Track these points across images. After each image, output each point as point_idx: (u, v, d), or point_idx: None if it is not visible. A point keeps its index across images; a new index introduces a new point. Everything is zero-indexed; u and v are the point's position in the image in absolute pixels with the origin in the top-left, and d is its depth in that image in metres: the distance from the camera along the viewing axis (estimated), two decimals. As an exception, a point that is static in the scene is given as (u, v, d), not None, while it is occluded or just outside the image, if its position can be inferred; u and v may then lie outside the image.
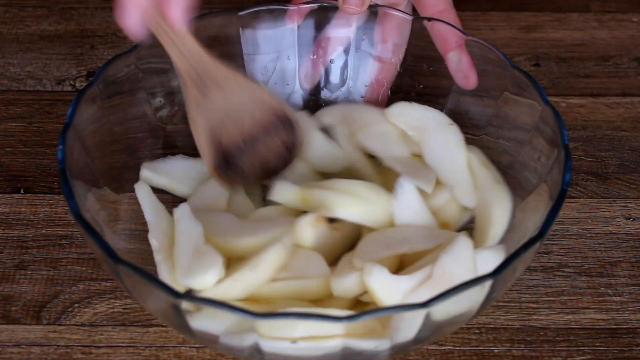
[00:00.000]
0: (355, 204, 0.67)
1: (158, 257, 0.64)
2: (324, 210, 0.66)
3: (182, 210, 0.67)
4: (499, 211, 0.68)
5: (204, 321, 0.58)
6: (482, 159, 0.71)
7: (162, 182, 0.71)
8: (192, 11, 0.62)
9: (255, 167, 0.70)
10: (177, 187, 0.72)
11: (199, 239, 0.65)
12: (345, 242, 0.68)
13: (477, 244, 0.67)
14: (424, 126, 0.73)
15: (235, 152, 0.69)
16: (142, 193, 0.69)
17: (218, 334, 0.58)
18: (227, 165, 0.69)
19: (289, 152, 0.71)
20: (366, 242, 0.66)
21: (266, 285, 0.63)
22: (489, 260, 0.63)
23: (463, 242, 0.63)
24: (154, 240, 0.65)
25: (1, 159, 0.79)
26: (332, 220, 0.67)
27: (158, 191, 0.70)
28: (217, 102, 0.68)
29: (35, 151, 0.80)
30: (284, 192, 0.68)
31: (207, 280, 0.62)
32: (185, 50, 0.66)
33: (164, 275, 0.64)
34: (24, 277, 0.71)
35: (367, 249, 0.65)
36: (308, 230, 0.66)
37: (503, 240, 0.67)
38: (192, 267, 0.63)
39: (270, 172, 0.71)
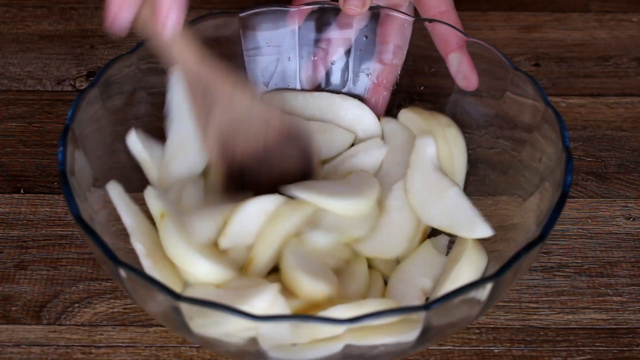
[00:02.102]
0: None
1: (147, 263, 0.62)
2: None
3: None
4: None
5: (204, 322, 0.58)
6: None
7: (143, 155, 0.69)
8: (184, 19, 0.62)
9: (268, 178, 0.69)
10: (150, 166, 0.70)
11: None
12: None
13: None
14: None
15: (248, 164, 0.69)
16: (115, 194, 0.65)
17: (218, 336, 0.58)
18: (239, 176, 0.69)
19: (305, 164, 0.70)
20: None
21: None
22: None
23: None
24: (139, 245, 0.62)
25: (1, 159, 0.79)
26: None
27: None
28: (225, 114, 0.67)
29: (35, 151, 0.80)
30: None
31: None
32: (189, 61, 0.66)
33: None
34: (24, 277, 0.71)
35: None
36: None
37: (503, 241, 0.67)
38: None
39: (287, 182, 0.68)
